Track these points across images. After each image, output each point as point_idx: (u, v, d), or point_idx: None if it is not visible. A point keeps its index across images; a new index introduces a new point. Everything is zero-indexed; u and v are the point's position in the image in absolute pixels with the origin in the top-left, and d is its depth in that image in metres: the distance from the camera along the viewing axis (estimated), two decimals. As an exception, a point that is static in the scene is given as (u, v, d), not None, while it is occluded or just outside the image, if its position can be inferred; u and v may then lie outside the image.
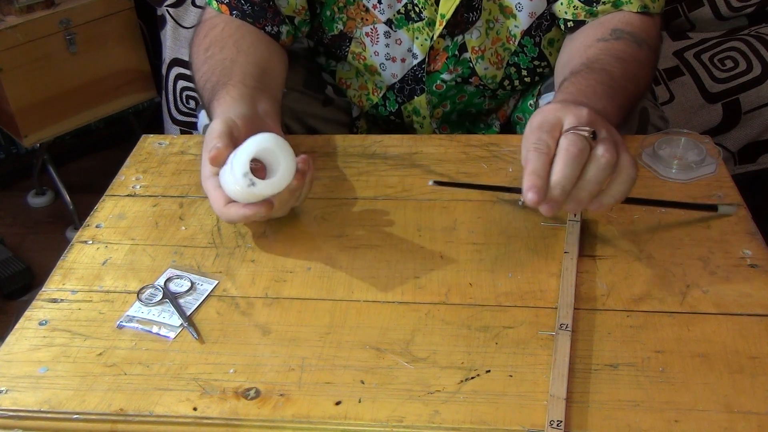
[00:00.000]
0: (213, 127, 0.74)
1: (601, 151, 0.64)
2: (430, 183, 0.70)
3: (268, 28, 0.95)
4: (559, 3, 0.92)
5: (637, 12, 0.88)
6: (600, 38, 0.86)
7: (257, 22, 0.94)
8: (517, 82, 1.03)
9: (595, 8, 0.89)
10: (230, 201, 0.72)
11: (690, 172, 0.82)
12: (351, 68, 1.05)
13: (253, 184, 0.68)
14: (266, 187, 0.69)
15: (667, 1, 1.75)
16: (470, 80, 1.01)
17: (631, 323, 0.65)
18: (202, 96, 0.88)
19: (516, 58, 1.00)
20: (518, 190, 0.65)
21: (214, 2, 0.95)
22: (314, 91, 1.05)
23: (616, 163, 0.64)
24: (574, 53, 0.88)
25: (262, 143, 0.69)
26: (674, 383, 0.60)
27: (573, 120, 0.66)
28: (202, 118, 1.01)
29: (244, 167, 0.68)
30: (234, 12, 0.93)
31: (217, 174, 0.72)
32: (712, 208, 0.76)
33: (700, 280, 0.69)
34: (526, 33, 0.97)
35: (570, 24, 0.92)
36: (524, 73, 1.02)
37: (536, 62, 1.00)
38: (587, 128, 0.64)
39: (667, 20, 1.79)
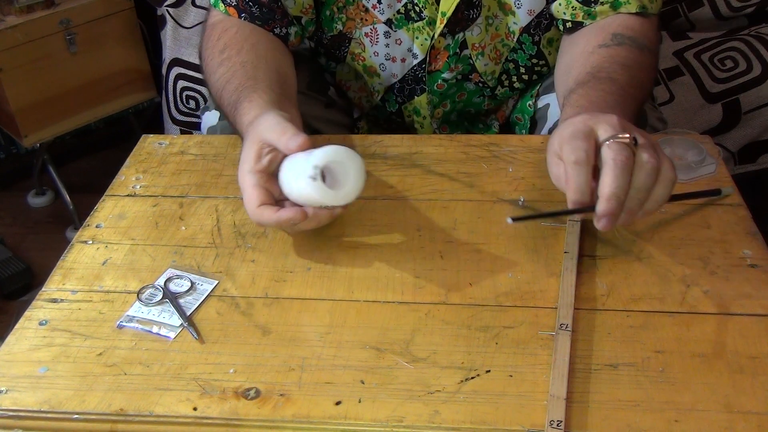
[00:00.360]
0: (276, 119, 0.72)
1: (645, 157, 0.63)
2: (509, 221, 0.66)
3: (277, 30, 0.94)
4: (557, 3, 0.92)
5: (636, 14, 0.87)
6: (601, 44, 0.86)
7: (266, 25, 0.93)
8: (515, 79, 1.03)
9: (593, 9, 0.89)
10: (265, 202, 0.70)
11: (690, 172, 0.82)
12: (350, 70, 1.05)
13: (315, 179, 0.67)
14: (323, 192, 0.68)
15: (667, 1, 1.75)
16: (470, 77, 1.01)
17: (631, 323, 0.65)
18: (221, 96, 0.86)
19: (514, 55, 1.00)
20: (586, 210, 0.63)
21: (221, 4, 0.94)
22: (317, 93, 1.05)
23: (659, 168, 0.64)
24: (575, 59, 0.88)
25: (344, 154, 0.69)
26: (674, 383, 0.60)
27: (607, 128, 0.65)
28: (206, 119, 1.01)
29: (320, 161, 0.68)
30: (242, 15, 0.93)
31: (259, 171, 0.71)
32: (716, 192, 0.77)
33: (700, 280, 0.69)
34: (525, 30, 0.97)
35: (569, 24, 0.92)
36: (522, 70, 1.02)
37: (534, 60, 1.00)
38: (627, 135, 0.63)
39: (667, 20, 1.79)
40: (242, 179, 0.72)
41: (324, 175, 0.69)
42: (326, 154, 0.68)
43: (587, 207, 0.64)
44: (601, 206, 0.63)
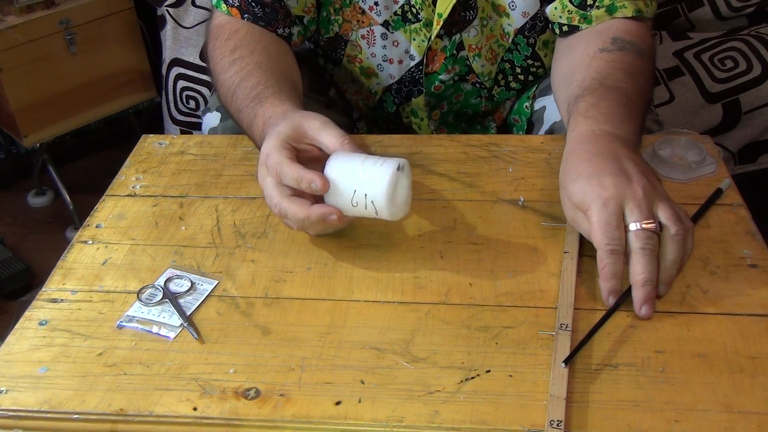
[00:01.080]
0: (334, 125, 0.73)
1: (674, 230, 0.66)
2: (563, 366, 0.62)
3: (280, 30, 0.94)
4: (552, 7, 0.92)
5: (633, 18, 0.87)
6: (602, 48, 0.86)
7: (269, 25, 0.93)
8: (511, 78, 1.03)
9: (589, 13, 0.89)
10: (293, 159, 0.70)
11: (690, 172, 0.82)
12: (346, 72, 1.05)
13: (402, 169, 0.69)
14: (391, 192, 0.68)
15: (667, 1, 1.75)
16: (467, 78, 1.01)
17: (631, 323, 0.65)
18: (234, 92, 0.87)
19: (510, 55, 1.00)
20: (622, 301, 0.66)
21: (223, 5, 0.94)
22: (318, 94, 1.05)
23: (687, 236, 0.67)
24: (576, 64, 0.87)
25: (408, 171, 0.71)
26: (674, 383, 0.60)
27: (634, 208, 0.66)
28: (207, 120, 1.01)
29: (403, 161, 0.69)
30: (245, 16, 0.93)
31: (293, 147, 0.72)
32: (718, 193, 0.78)
33: (699, 280, 0.69)
34: (519, 32, 0.96)
35: (564, 28, 0.91)
36: (518, 71, 1.01)
37: (530, 61, 1.00)
38: (652, 222, 0.66)
39: (667, 20, 1.79)
40: (270, 141, 0.72)
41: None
42: (405, 160, 0.70)
43: (620, 298, 0.66)
44: (638, 294, 0.65)
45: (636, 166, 0.70)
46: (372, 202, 0.69)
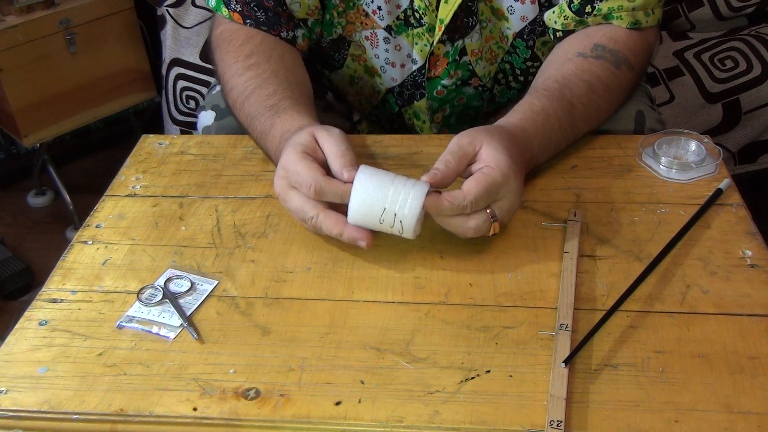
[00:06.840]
0: (332, 132, 0.74)
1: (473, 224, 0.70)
2: (563, 366, 0.62)
3: (284, 34, 0.94)
4: (550, 12, 0.92)
5: (626, 28, 0.87)
6: (580, 52, 0.87)
7: (272, 29, 0.93)
8: (511, 78, 1.03)
9: (585, 19, 0.89)
10: (329, 177, 0.71)
11: (690, 172, 0.82)
12: (344, 77, 1.05)
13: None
14: (419, 212, 0.69)
15: (667, 1, 1.75)
16: (469, 82, 1.01)
17: (631, 323, 0.65)
18: (247, 97, 0.87)
19: (509, 57, 1.00)
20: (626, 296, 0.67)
21: (224, 9, 0.94)
22: (316, 98, 1.05)
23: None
24: (554, 60, 0.89)
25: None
26: (674, 383, 0.60)
27: (503, 208, 0.70)
28: (202, 119, 1.01)
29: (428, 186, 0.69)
30: (247, 21, 0.92)
31: (314, 157, 0.72)
32: (718, 194, 0.78)
33: (700, 280, 0.69)
34: (518, 35, 0.96)
35: (558, 34, 0.92)
36: (518, 72, 1.02)
37: (529, 63, 1.00)
38: (494, 231, 0.71)
39: (667, 20, 1.79)
40: (290, 153, 0.72)
41: None
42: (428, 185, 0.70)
43: (621, 298, 0.66)
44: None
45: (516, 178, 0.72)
46: (401, 222, 0.69)
